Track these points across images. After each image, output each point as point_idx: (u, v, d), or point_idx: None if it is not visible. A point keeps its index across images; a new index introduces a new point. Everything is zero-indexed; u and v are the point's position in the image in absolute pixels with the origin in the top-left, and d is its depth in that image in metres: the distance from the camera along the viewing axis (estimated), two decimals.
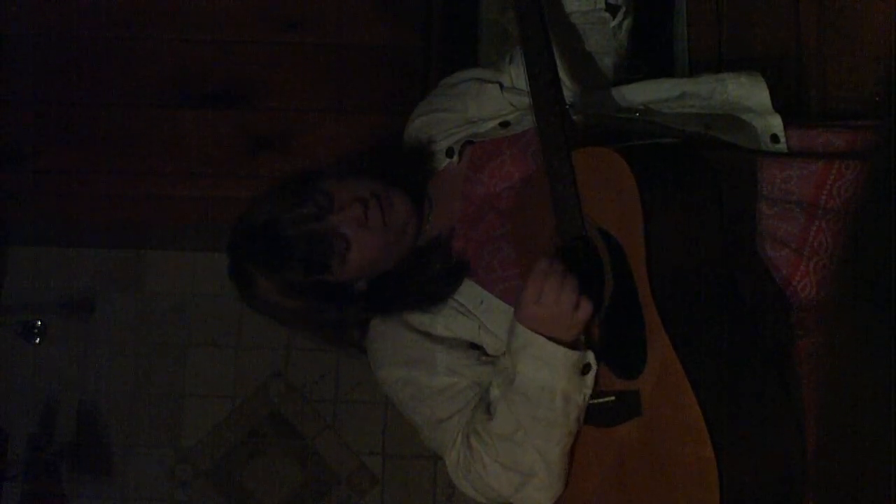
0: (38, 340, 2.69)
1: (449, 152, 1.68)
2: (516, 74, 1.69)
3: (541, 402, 1.40)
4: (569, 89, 1.65)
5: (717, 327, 1.37)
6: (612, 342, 1.40)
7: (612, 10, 1.68)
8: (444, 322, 1.58)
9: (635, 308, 1.36)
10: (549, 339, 1.39)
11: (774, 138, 1.58)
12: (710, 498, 1.29)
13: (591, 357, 1.42)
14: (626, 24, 1.71)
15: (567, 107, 1.50)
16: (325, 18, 2.35)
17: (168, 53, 2.37)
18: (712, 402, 1.29)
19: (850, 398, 1.41)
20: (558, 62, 1.65)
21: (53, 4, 2.40)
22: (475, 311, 1.58)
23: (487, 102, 1.70)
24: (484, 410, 1.48)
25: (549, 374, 1.39)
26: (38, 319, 2.69)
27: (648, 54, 1.80)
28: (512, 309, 1.55)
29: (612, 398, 1.40)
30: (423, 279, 1.61)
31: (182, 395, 2.74)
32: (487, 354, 1.58)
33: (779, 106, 1.61)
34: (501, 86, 1.70)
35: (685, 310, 1.35)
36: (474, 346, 1.58)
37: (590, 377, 1.41)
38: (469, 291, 1.59)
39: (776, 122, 1.59)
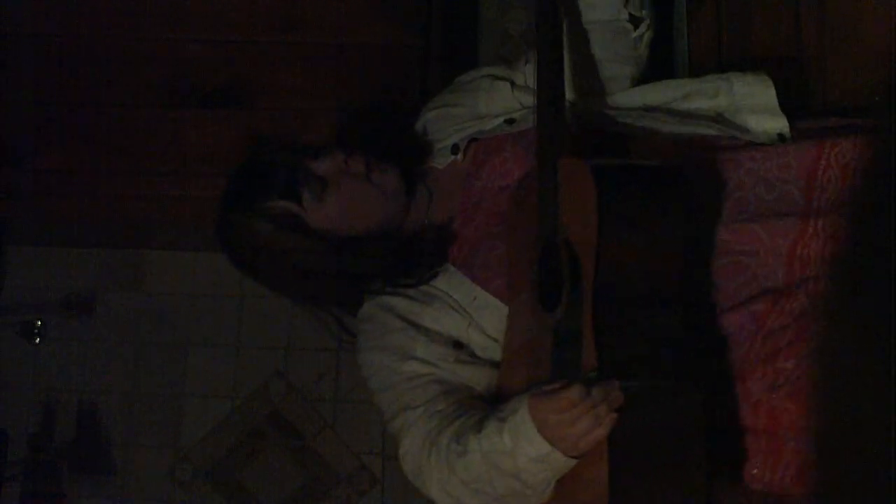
0: (38, 340, 2.69)
1: (454, 149, 1.69)
2: (531, 75, 1.70)
3: (535, 487, 1.39)
4: (582, 94, 1.66)
5: (650, 360, 1.34)
6: (555, 358, 1.40)
7: (635, 21, 1.70)
8: (432, 314, 1.58)
9: (578, 327, 1.36)
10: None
11: (781, 137, 1.59)
12: None
13: None
14: (646, 36, 1.72)
15: (568, 111, 1.50)
16: (325, 18, 2.35)
17: (168, 53, 2.37)
18: (621, 428, 1.28)
19: (849, 398, 1.41)
20: (575, 67, 1.66)
21: (53, 4, 2.40)
22: (468, 307, 1.58)
23: (497, 99, 1.71)
24: (455, 436, 1.46)
25: (553, 474, 1.37)
26: (38, 319, 2.69)
27: (648, 55, 1.80)
28: (505, 307, 1.55)
29: None
30: (408, 257, 1.62)
31: (182, 395, 2.74)
32: (475, 355, 1.58)
33: (781, 106, 1.62)
34: (513, 83, 1.71)
35: (620, 337, 1.34)
36: (458, 346, 1.58)
37: None
38: (462, 287, 1.59)
39: (782, 123, 1.60)
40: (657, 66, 1.84)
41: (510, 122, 1.67)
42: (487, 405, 1.51)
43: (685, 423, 1.32)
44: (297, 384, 2.73)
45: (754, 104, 1.62)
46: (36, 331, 2.69)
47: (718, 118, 1.62)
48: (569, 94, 1.67)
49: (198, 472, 2.72)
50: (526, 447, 1.34)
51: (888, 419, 1.35)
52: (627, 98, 1.68)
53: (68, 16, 2.39)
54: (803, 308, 1.47)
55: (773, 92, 1.62)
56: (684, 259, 1.38)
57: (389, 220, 1.64)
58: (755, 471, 1.45)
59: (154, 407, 2.74)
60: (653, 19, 1.73)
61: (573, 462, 1.34)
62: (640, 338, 1.35)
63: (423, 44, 2.34)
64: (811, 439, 1.43)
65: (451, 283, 1.60)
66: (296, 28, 2.36)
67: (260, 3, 2.36)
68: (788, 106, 1.63)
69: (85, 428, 2.73)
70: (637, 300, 1.36)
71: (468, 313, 1.58)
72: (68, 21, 2.39)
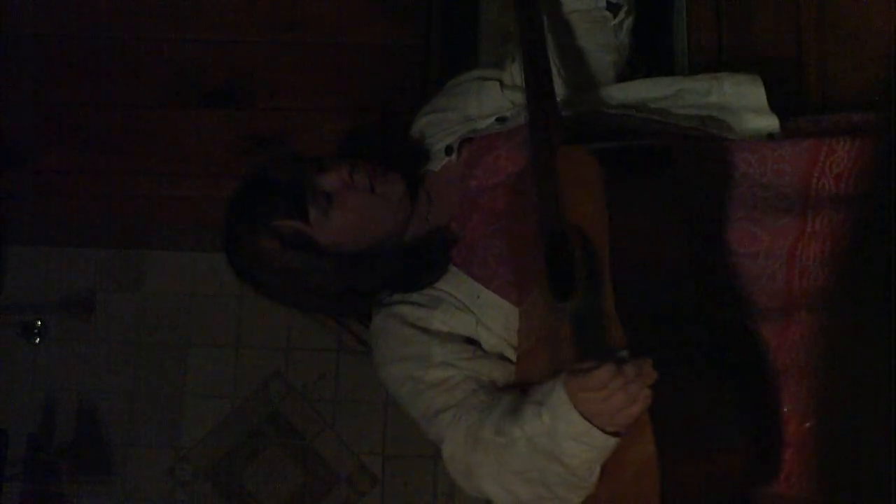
0: (38, 340, 2.69)
1: (448, 150, 1.69)
2: (518, 72, 1.70)
3: (579, 471, 1.39)
4: (570, 87, 1.66)
5: (675, 334, 1.37)
6: (578, 342, 1.41)
7: (613, 8, 1.69)
8: (441, 317, 1.59)
9: (600, 305, 1.37)
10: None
11: (770, 137, 1.59)
12: (651, 493, 1.31)
13: None
14: (627, 23, 1.71)
15: (559, 102, 1.51)
16: (325, 18, 2.35)
17: (168, 53, 2.37)
18: (659, 403, 1.30)
19: (849, 393, 1.42)
20: (559, 60, 1.65)
21: (53, 4, 2.40)
22: (472, 306, 1.58)
23: (487, 100, 1.71)
24: (496, 428, 1.45)
25: (595, 455, 1.37)
26: (38, 319, 2.69)
27: (648, 54, 1.80)
28: (508, 305, 1.55)
29: None
30: (413, 264, 1.62)
31: (182, 395, 2.74)
32: (483, 350, 1.58)
33: (778, 106, 1.62)
34: (502, 83, 1.71)
35: (645, 314, 1.36)
36: (471, 342, 1.59)
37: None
38: (465, 287, 1.60)
39: (773, 122, 1.60)
40: (656, 66, 1.85)
41: (502, 120, 1.67)
42: (517, 395, 1.50)
43: (720, 400, 1.33)
44: (297, 384, 2.73)
45: (745, 104, 1.63)
46: (36, 331, 2.69)
47: (707, 119, 1.63)
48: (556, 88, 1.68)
49: (198, 472, 2.72)
50: (564, 426, 1.34)
51: (889, 425, 1.35)
52: (618, 93, 1.67)
53: (68, 16, 2.39)
54: (806, 322, 1.47)
55: (762, 91, 1.62)
56: (690, 244, 1.39)
57: (395, 229, 1.64)
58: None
59: (154, 407, 2.74)
60: (632, 5, 1.72)
61: (612, 441, 1.34)
62: (661, 316, 1.37)
63: (423, 44, 2.34)
64: (812, 443, 1.43)
65: (453, 282, 1.61)
66: (296, 28, 2.36)
67: (260, 3, 2.37)
68: (787, 105, 1.63)
69: (85, 428, 2.72)
70: (651, 279, 1.38)
71: (473, 312, 1.58)
72: (68, 21, 2.40)
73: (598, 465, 1.38)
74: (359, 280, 1.63)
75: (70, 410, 2.73)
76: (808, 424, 1.44)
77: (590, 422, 1.33)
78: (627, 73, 1.76)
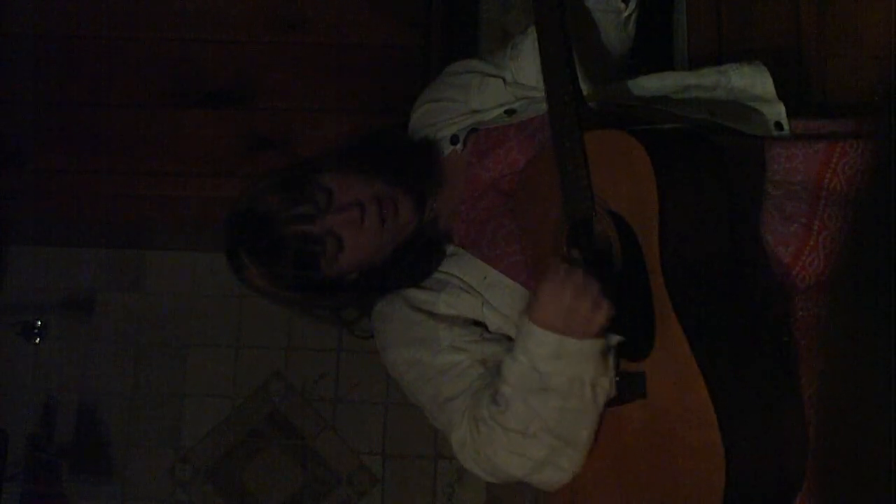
0: (38, 340, 2.69)
1: (453, 139, 1.68)
2: (517, 69, 1.70)
3: (571, 393, 1.40)
4: (579, 77, 1.66)
5: (726, 313, 1.36)
6: (619, 324, 1.40)
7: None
8: (446, 300, 1.58)
9: (645, 291, 1.36)
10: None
11: (778, 126, 1.59)
12: (716, 481, 1.30)
13: (613, 339, 1.41)
14: (634, 16, 1.72)
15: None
16: (325, 18, 2.36)
17: (168, 53, 2.37)
18: (720, 387, 1.30)
19: (849, 391, 1.41)
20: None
21: (53, 4, 2.40)
22: (479, 287, 1.58)
23: (490, 94, 1.70)
24: (491, 399, 1.46)
25: (577, 367, 1.39)
26: (38, 319, 2.69)
27: (648, 51, 1.80)
28: (516, 285, 1.55)
29: (617, 378, 1.41)
30: (413, 258, 1.62)
31: (182, 395, 2.74)
32: (490, 332, 1.58)
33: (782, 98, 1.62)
34: (504, 81, 1.70)
35: (696, 294, 1.35)
36: (477, 324, 1.58)
37: (611, 358, 1.41)
38: (473, 268, 1.59)
39: (780, 110, 1.60)
40: (656, 62, 1.84)
41: (510, 112, 1.66)
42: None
43: (781, 389, 1.34)
44: (297, 384, 2.73)
45: (752, 94, 1.63)
46: (36, 331, 2.69)
47: (717, 110, 1.62)
48: None
49: (198, 472, 2.72)
50: (538, 350, 1.38)
51: (889, 431, 1.35)
52: (627, 87, 1.67)
53: (68, 16, 2.40)
54: (803, 327, 1.47)
55: (769, 80, 1.62)
56: (734, 232, 1.39)
57: (403, 239, 1.64)
58: None
59: (154, 407, 2.73)
60: None
61: (588, 344, 1.37)
62: (712, 299, 1.36)
63: (423, 44, 2.34)
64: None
65: (461, 265, 1.60)
66: (296, 28, 2.36)
67: (260, 3, 2.37)
68: (786, 104, 1.63)
69: (85, 428, 2.72)
70: (700, 265, 1.37)
71: (480, 293, 1.57)
72: (68, 21, 2.40)
73: (588, 379, 1.39)
74: (363, 290, 1.63)
75: (70, 410, 2.73)
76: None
77: (562, 334, 1.36)
78: (627, 72, 1.76)
